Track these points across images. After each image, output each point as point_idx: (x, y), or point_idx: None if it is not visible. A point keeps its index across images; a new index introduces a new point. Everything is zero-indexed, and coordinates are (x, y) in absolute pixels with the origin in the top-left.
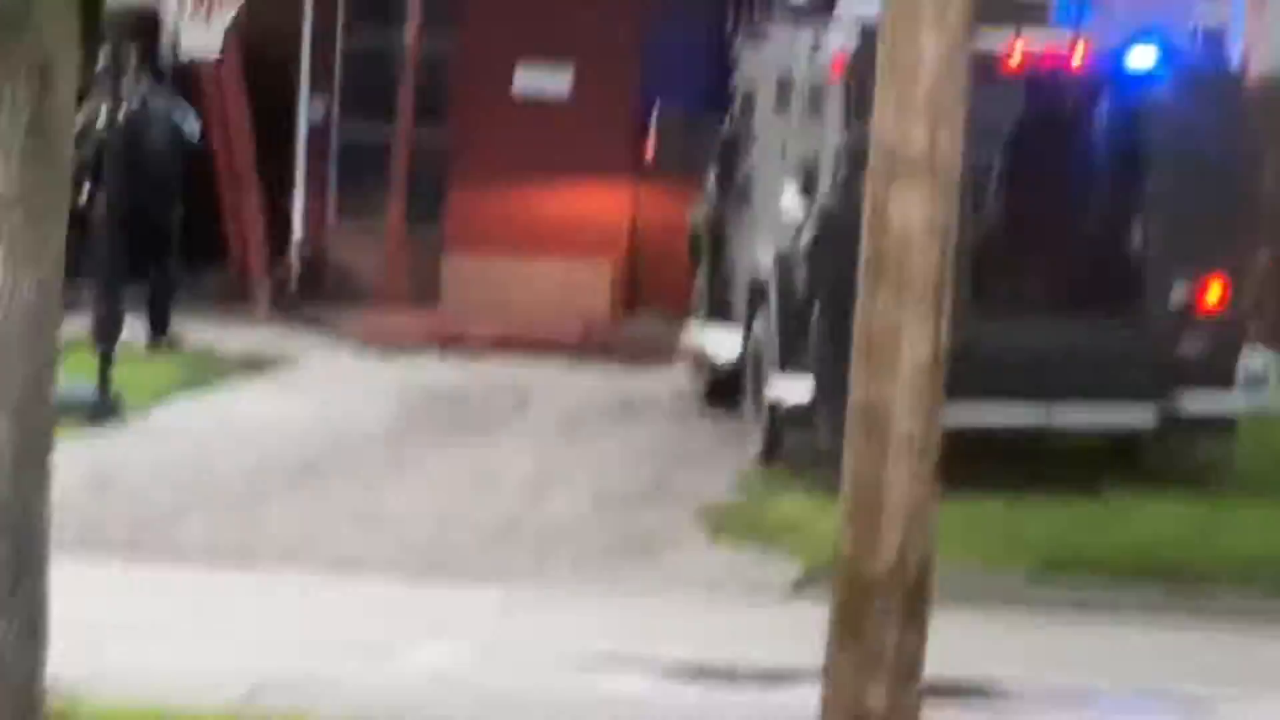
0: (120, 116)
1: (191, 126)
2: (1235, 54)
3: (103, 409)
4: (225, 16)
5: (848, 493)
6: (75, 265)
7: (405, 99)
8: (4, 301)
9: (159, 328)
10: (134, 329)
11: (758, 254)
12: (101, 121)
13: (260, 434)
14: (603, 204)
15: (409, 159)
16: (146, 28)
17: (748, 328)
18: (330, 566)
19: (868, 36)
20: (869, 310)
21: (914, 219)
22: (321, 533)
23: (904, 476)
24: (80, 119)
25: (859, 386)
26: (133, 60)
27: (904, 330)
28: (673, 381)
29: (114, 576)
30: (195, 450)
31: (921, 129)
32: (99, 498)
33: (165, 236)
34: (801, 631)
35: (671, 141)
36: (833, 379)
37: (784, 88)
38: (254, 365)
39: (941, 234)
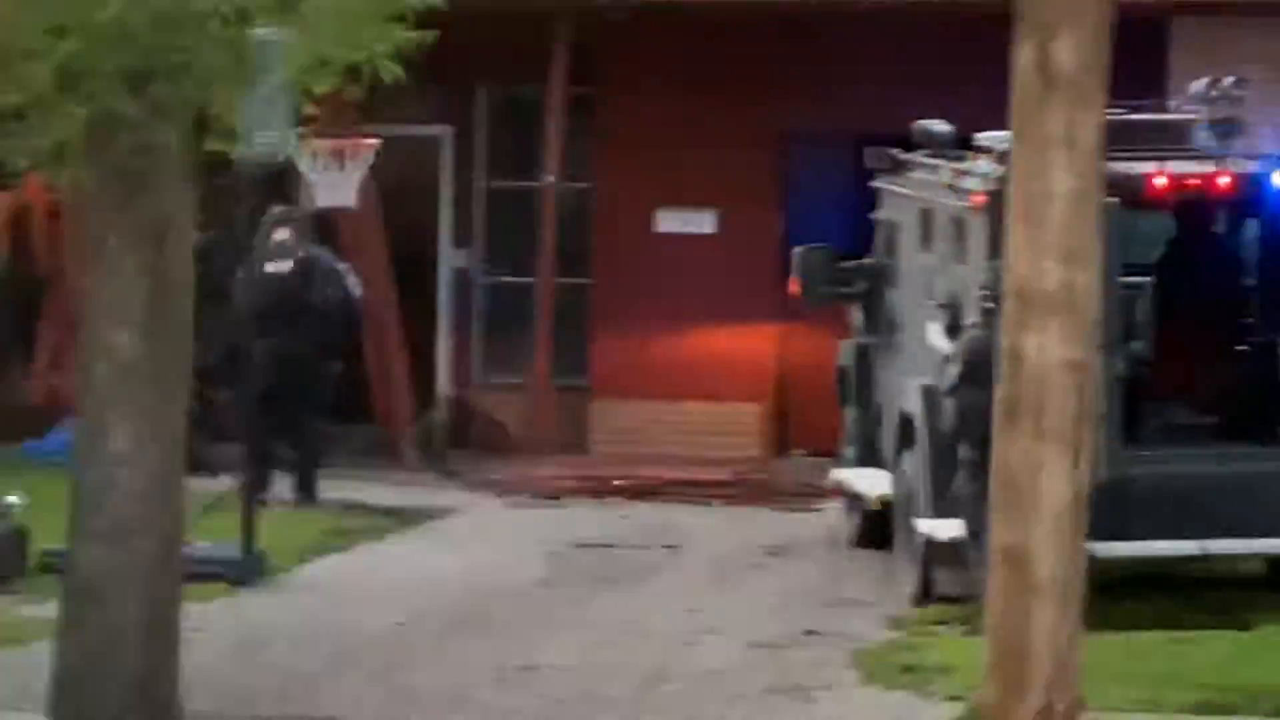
0: (280, 271)
1: (354, 281)
2: None
3: (248, 569)
4: (360, 167)
5: (991, 637)
6: (223, 425)
7: (547, 246)
8: (130, 469)
9: (306, 486)
10: (281, 487)
11: (905, 390)
12: (248, 275)
13: (408, 589)
14: (749, 345)
15: (552, 306)
16: (283, 179)
17: (897, 465)
18: None
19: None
20: (1006, 450)
21: (1050, 357)
22: (470, 691)
23: (1048, 620)
24: (240, 273)
25: (999, 527)
26: (296, 214)
27: (1043, 470)
28: (824, 522)
29: None
30: (341, 609)
31: (1054, 265)
32: (243, 660)
33: (319, 394)
34: None
35: (815, 279)
36: (983, 516)
37: (927, 221)
38: (401, 520)
39: (1079, 371)
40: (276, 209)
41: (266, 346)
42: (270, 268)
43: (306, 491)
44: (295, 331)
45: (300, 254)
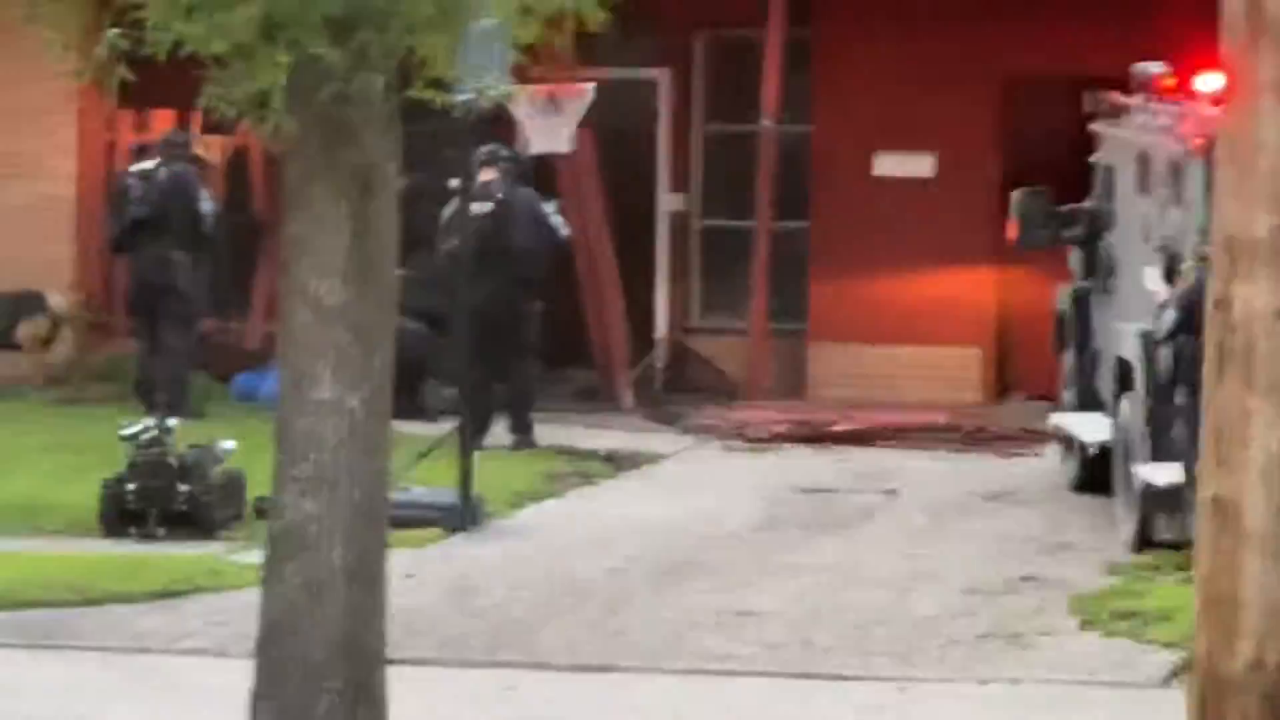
0: (481, 213)
1: (558, 221)
2: None
3: (464, 515)
4: (575, 111)
5: (1200, 587)
6: (436, 369)
7: (764, 189)
8: (331, 418)
9: (521, 430)
10: (496, 432)
11: (1122, 335)
12: (459, 219)
13: (624, 534)
14: (968, 289)
15: (769, 250)
16: (498, 124)
17: (1115, 410)
18: (696, 669)
19: None
20: (1215, 400)
21: (1258, 306)
22: (685, 634)
23: (1256, 570)
24: (445, 216)
25: (1207, 478)
26: (502, 154)
27: (1252, 420)
28: (1043, 468)
29: (475, 685)
30: (556, 554)
31: (1264, 214)
32: (457, 606)
33: (524, 336)
34: None
35: (1032, 223)
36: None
37: (1144, 165)
38: (617, 464)
39: None
40: (484, 149)
41: (473, 289)
42: (474, 209)
43: (522, 434)
44: (496, 273)
45: (500, 195)
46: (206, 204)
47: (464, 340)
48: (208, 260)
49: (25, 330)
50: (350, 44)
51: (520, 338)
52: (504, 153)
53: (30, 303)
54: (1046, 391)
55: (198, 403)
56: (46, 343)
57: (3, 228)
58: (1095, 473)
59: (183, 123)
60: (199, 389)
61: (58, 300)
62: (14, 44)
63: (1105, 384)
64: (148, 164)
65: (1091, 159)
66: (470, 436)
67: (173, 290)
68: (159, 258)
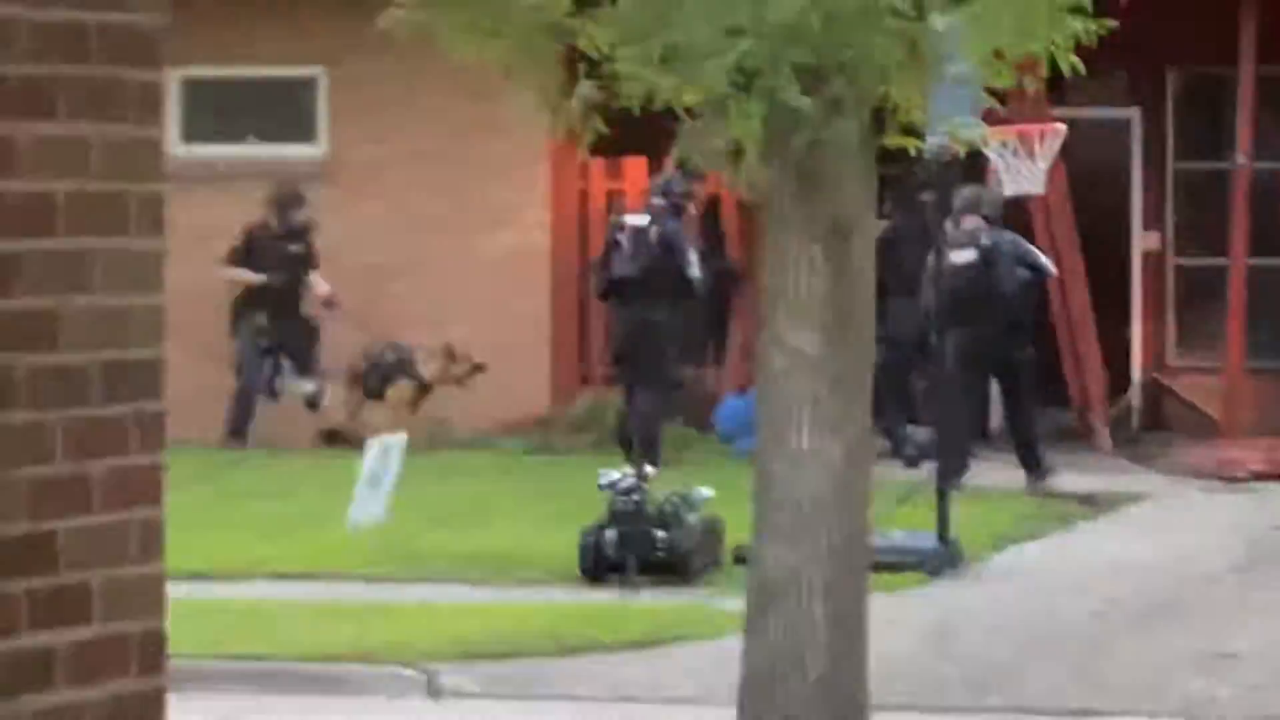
0: (966, 261)
1: (1044, 260)
2: None
3: (942, 558)
4: (1048, 153)
5: None
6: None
7: (1238, 225)
8: (811, 468)
9: (1030, 465)
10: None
11: None
12: (933, 262)
13: (1104, 576)
14: None
15: (1245, 287)
16: (971, 169)
17: None
18: (1178, 712)
19: None
20: None
21: None
22: (1167, 677)
23: None
24: (929, 264)
25: None
26: (985, 197)
27: None
28: None
29: None
30: (1035, 597)
31: None
32: (936, 651)
33: (1017, 375)
34: None
35: None
36: None
37: None
38: (1096, 504)
39: None
40: (965, 191)
41: (958, 335)
42: (956, 257)
43: (1034, 471)
44: (984, 319)
45: (984, 241)
46: (694, 269)
47: (945, 384)
48: (690, 319)
49: (392, 394)
50: (824, 92)
51: (1019, 382)
52: (987, 195)
53: (401, 367)
54: None
55: (672, 451)
56: (414, 405)
57: (481, 280)
58: None
59: (669, 169)
60: (676, 437)
61: (431, 364)
62: (488, 94)
63: None
64: (640, 219)
65: None
66: (949, 479)
67: (654, 351)
68: (643, 319)
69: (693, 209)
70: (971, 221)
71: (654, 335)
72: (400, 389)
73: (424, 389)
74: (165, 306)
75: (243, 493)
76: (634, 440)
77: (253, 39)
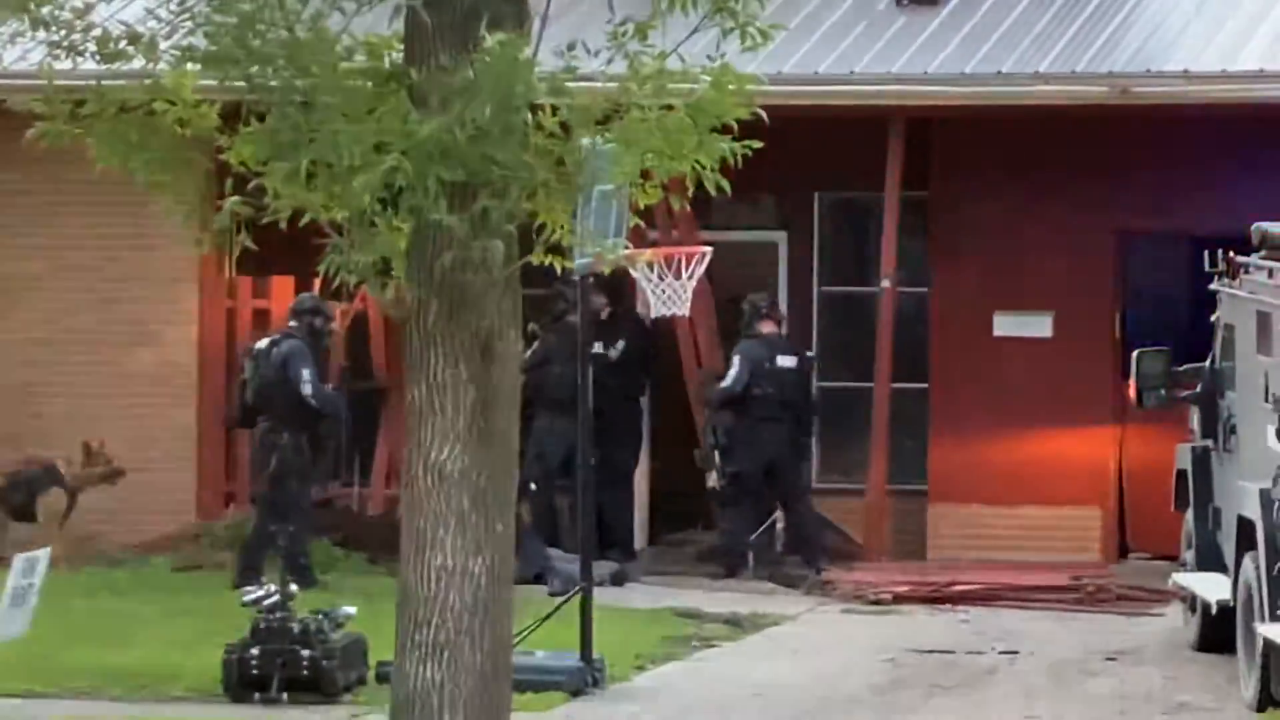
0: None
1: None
2: None
3: (585, 678)
4: (695, 274)
5: None
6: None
7: (883, 351)
8: (455, 583)
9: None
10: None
11: (1243, 494)
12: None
13: (744, 698)
14: (1087, 448)
15: (888, 411)
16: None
17: (1237, 569)
18: None
19: None
20: None
21: None
22: None
23: None
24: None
25: None
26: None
27: None
28: (1164, 627)
29: None
30: (677, 718)
31: None
32: None
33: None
34: None
35: (1152, 383)
36: None
37: (1264, 324)
38: (738, 626)
39: None
40: (757, 300)
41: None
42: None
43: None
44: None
45: (801, 351)
46: (307, 387)
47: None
48: (316, 435)
49: (45, 505)
50: (470, 210)
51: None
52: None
53: (47, 475)
54: (1167, 550)
55: (318, 569)
56: (65, 516)
57: (129, 396)
58: (1218, 632)
59: (307, 289)
60: (323, 556)
61: (71, 467)
62: (138, 210)
63: (1227, 543)
64: (263, 342)
65: (1212, 318)
66: (590, 591)
67: (275, 475)
68: (265, 441)
69: (333, 327)
70: (769, 327)
71: (274, 457)
72: (53, 498)
73: (73, 495)
74: None
75: None
76: (280, 560)
77: None
